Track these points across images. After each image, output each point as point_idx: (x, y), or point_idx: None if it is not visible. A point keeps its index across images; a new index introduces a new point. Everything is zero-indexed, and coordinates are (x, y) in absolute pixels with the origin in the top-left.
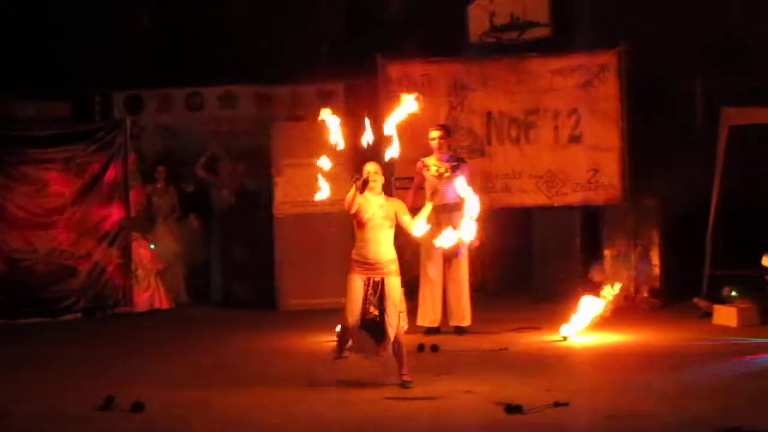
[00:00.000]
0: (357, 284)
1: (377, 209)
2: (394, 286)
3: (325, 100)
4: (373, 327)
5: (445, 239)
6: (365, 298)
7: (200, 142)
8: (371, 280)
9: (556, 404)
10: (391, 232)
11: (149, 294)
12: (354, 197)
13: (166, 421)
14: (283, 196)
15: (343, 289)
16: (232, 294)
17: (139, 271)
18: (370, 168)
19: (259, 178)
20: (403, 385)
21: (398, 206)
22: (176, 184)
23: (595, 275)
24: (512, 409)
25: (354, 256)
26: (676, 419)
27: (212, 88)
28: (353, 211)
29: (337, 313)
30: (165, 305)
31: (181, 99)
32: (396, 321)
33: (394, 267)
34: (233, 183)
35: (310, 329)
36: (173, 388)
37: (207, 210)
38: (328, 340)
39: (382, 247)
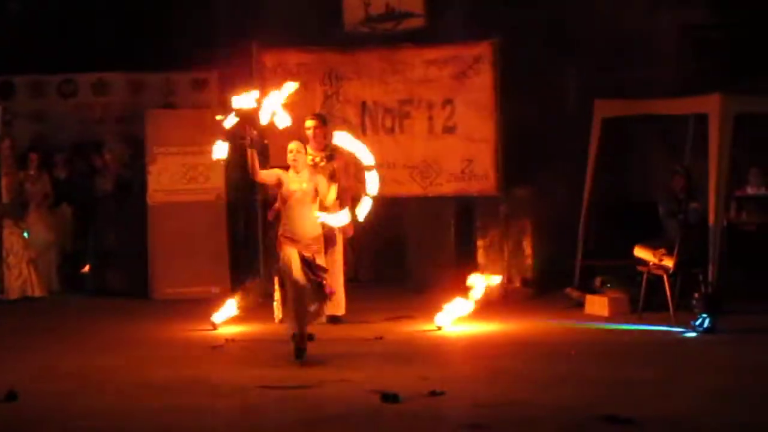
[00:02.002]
0: (293, 254)
1: (299, 185)
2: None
3: (199, 88)
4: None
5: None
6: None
7: (73, 129)
8: (302, 254)
9: (432, 393)
10: (314, 208)
11: (21, 282)
12: (253, 163)
13: (41, 411)
14: (157, 184)
15: (215, 279)
16: (105, 282)
17: (11, 259)
18: (292, 146)
19: (132, 165)
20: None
21: (319, 181)
22: (48, 172)
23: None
24: (388, 397)
25: (282, 233)
26: (550, 407)
27: (85, 75)
28: (259, 178)
29: (209, 301)
30: (38, 293)
31: (53, 86)
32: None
33: (319, 246)
34: (115, 170)
35: (184, 318)
36: (47, 377)
37: (79, 197)
38: (201, 329)
39: (308, 223)
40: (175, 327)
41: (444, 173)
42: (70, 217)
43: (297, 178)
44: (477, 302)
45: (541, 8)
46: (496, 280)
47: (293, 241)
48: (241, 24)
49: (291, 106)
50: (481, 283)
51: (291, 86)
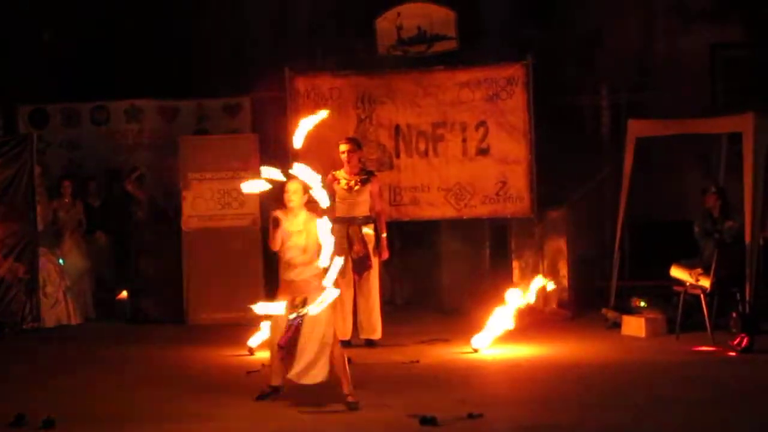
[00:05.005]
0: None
1: (295, 228)
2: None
3: (231, 113)
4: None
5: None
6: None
7: (106, 156)
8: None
9: (470, 416)
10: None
11: (58, 310)
12: (274, 236)
13: None
14: (191, 210)
15: (251, 303)
16: (141, 309)
17: (48, 287)
18: (290, 187)
19: (166, 192)
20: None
21: (311, 227)
22: (82, 199)
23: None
24: (426, 421)
25: (281, 276)
26: (588, 429)
27: (117, 102)
28: (277, 248)
29: (245, 327)
30: (74, 321)
31: (86, 113)
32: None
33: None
34: (148, 197)
35: (219, 343)
36: (84, 404)
37: (113, 224)
38: (237, 354)
39: (303, 267)
40: (211, 352)
41: (478, 195)
42: (104, 244)
43: (295, 221)
44: (513, 323)
45: (572, 29)
46: (532, 296)
47: (289, 287)
48: (274, 49)
49: (325, 130)
50: (519, 298)
51: (322, 114)
